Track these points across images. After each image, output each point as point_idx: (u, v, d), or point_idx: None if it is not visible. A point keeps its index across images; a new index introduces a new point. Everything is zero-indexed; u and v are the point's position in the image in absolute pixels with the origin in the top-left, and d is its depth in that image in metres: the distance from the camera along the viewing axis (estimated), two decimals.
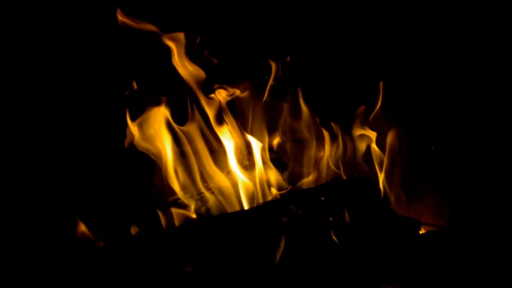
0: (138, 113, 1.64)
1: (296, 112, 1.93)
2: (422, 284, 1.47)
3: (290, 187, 1.77)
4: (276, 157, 1.85)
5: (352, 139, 1.90)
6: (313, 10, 1.95)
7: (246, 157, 1.77)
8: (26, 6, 1.70)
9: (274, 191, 1.69)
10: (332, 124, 1.89)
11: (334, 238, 1.46)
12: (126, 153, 1.67)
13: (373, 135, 1.86)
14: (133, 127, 1.63)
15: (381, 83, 1.87)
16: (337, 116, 1.92)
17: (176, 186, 1.64)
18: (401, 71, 1.95)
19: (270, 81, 1.88)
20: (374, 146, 1.85)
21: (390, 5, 1.92)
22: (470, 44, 1.84)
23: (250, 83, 1.86)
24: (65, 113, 1.74)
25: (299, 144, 1.95)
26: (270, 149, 1.85)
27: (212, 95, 1.74)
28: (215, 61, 1.76)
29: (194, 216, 1.62)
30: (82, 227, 1.51)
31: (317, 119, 1.92)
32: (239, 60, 1.91)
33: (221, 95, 1.75)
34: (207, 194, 1.67)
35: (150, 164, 1.69)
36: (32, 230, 1.58)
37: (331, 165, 1.88)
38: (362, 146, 1.89)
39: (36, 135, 1.70)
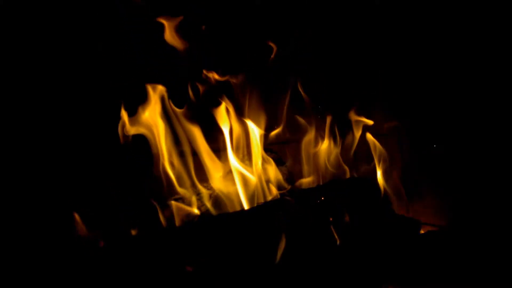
0: (135, 107, 1.65)
1: (295, 106, 1.92)
2: (422, 284, 1.47)
3: (290, 187, 1.76)
4: (277, 157, 1.85)
5: (351, 133, 1.89)
6: (313, 10, 1.95)
7: (247, 157, 1.76)
8: (27, 5, 1.70)
9: (274, 190, 1.69)
10: (330, 118, 1.89)
11: (336, 236, 1.46)
12: (125, 152, 1.67)
13: (369, 123, 1.86)
14: (124, 114, 1.63)
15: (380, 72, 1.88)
16: (336, 113, 1.91)
17: (171, 175, 1.64)
18: (401, 71, 1.95)
19: (272, 57, 1.86)
20: (369, 135, 1.84)
21: (390, 5, 1.92)
22: (470, 44, 1.84)
23: (246, 75, 1.86)
24: (65, 113, 1.74)
25: (299, 143, 1.94)
26: (269, 149, 1.85)
27: (204, 76, 1.75)
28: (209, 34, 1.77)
29: (197, 212, 1.61)
30: (82, 227, 1.51)
31: (318, 107, 1.91)
32: (237, 58, 1.91)
33: (214, 76, 1.76)
34: (207, 194, 1.67)
35: (150, 163, 1.69)
36: (32, 231, 1.58)
37: (329, 165, 1.88)
38: (358, 135, 1.88)
39: (36, 135, 1.70)
